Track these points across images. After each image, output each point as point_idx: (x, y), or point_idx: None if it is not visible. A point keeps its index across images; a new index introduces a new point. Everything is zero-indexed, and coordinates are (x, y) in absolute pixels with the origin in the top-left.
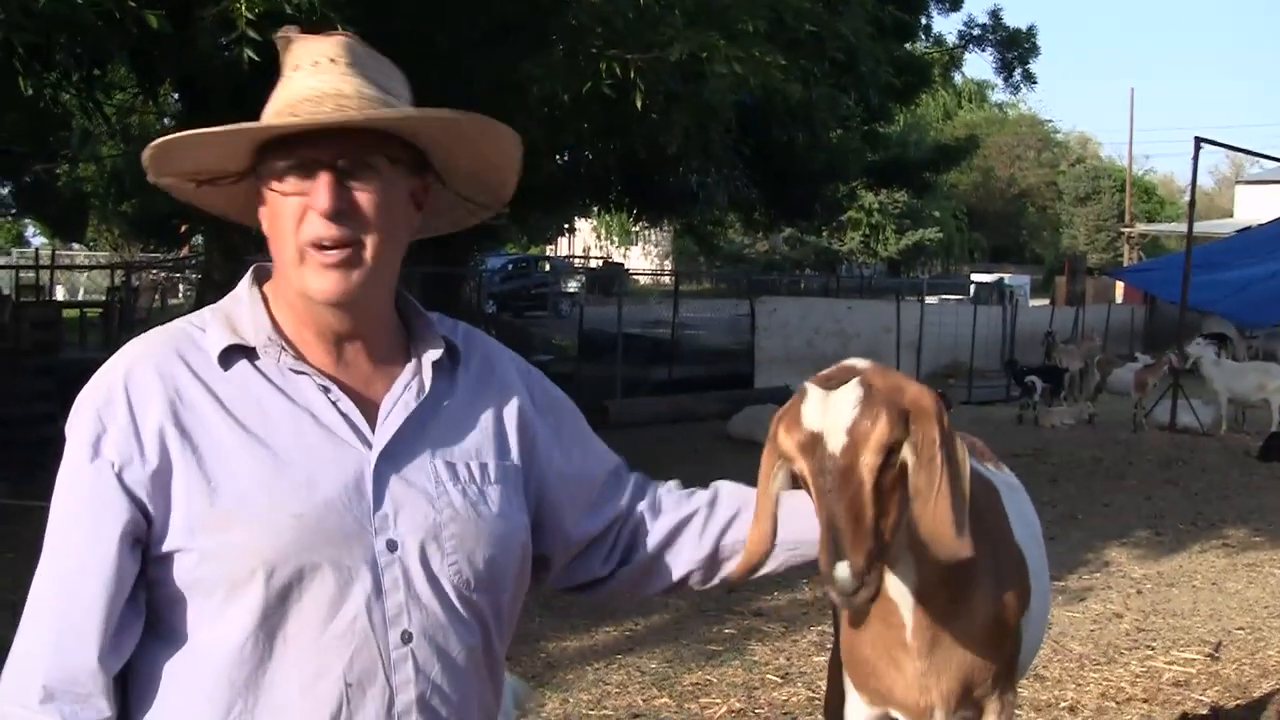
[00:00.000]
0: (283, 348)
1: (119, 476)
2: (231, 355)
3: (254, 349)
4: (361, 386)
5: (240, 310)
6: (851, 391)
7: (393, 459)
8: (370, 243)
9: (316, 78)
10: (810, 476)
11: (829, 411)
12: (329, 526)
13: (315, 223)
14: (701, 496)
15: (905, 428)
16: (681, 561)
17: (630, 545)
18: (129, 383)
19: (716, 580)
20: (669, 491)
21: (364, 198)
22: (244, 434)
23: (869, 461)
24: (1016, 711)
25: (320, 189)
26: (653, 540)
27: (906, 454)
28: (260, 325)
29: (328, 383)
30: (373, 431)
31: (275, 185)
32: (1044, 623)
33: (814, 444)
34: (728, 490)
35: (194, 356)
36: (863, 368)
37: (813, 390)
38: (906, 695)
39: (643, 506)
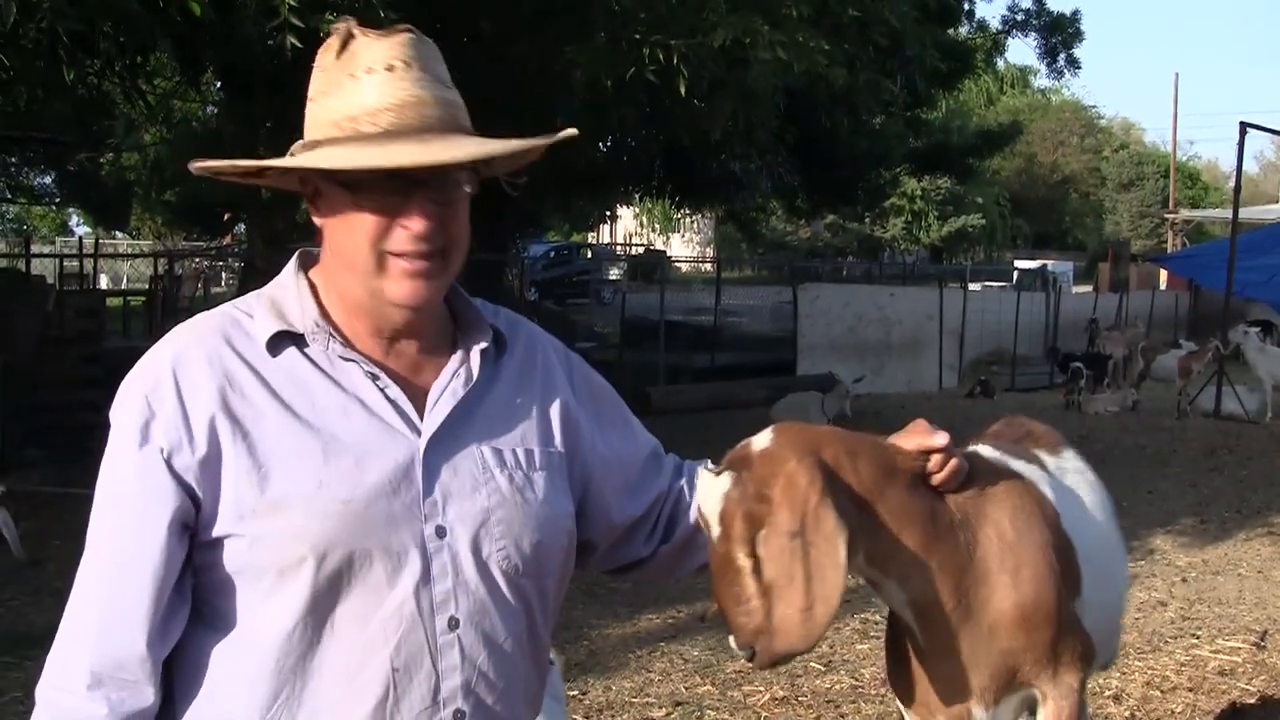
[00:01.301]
0: (331, 335)
1: (168, 462)
2: (280, 341)
3: (302, 335)
4: (410, 374)
5: (287, 297)
6: (720, 483)
7: (441, 446)
8: (452, 254)
9: (392, 84)
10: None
11: (705, 500)
12: (378, 512)
13: (403, 239)
14: None
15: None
16: None
17: (670, 524)
18: (177, 368)
19: None
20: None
21: (449, 213)
22: (293, 420)
23: (738, 551)
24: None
25: (415, 210)
26: (689, 517)
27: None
28: (308, 312)
29: (376, 370)
30: (421, 419)
31: (353, 194)
32: (1112, 608)
33: (705, 526)
34: None
35: (242, 342)
36: (757, 449)
37: (702, 474)
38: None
39: (680, 485)
